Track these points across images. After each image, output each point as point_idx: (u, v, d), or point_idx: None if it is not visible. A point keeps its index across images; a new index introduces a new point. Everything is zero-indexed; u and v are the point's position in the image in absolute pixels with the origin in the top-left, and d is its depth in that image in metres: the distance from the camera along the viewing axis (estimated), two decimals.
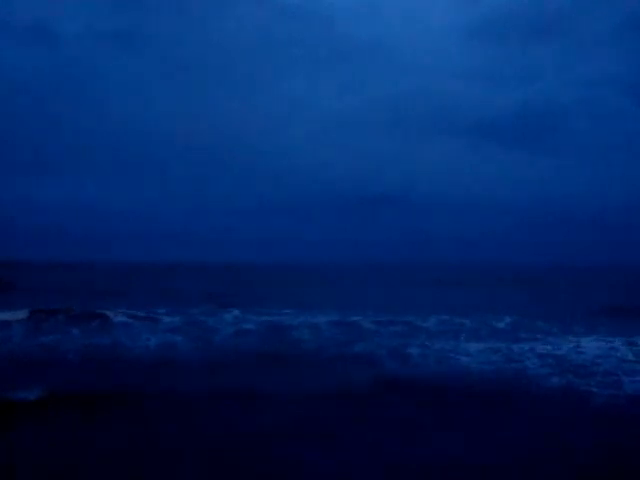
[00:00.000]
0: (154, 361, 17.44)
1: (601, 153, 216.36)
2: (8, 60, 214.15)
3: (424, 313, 27.42)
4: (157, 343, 20.39)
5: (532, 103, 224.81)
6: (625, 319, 27.15)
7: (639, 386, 14.63)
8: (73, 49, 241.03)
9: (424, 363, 17.43)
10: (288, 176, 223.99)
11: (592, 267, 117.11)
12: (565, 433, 10.97)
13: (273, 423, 11.34)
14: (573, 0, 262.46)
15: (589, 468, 9.39)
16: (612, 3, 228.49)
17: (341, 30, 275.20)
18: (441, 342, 21.00)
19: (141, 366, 16.58)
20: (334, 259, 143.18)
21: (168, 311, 28.29)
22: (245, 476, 9.03)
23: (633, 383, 15.04)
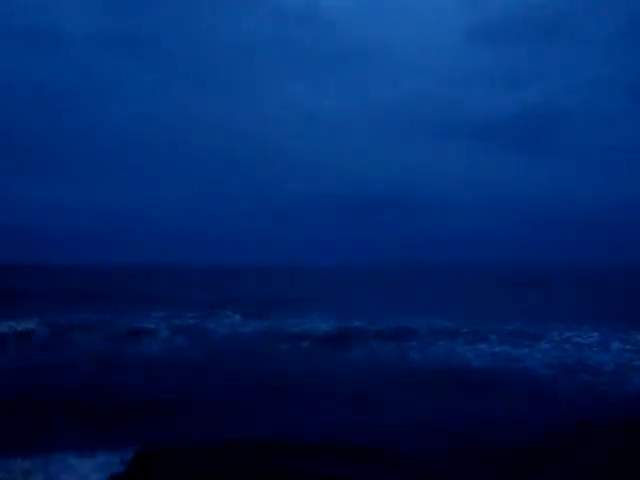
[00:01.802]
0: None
1: (603, 154, 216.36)
2: (9, 61, 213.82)
3: (425, 316, 27.24)
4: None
5: (534, 105, 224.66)
6: (627, 319, 26.96)
7: None
8: (75, 51, 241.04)
9: (424, 366, 17.26)
10: (290, 178, 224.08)
11: (594, 268, 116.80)
12: None
13: None
14: (575, 3, 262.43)
15: None
16: (614, 6, 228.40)
17: (342, 33, 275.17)
18: (444, 346, 20.89)
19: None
20: (337, 261, 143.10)
21: (168, 315, 28.11)
22: None
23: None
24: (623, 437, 10.82)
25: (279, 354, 19.58)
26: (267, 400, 13.39)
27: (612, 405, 13.01)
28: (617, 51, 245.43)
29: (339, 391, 14.23)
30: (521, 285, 61.99)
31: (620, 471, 9.38)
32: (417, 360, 18.48)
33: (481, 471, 9.36)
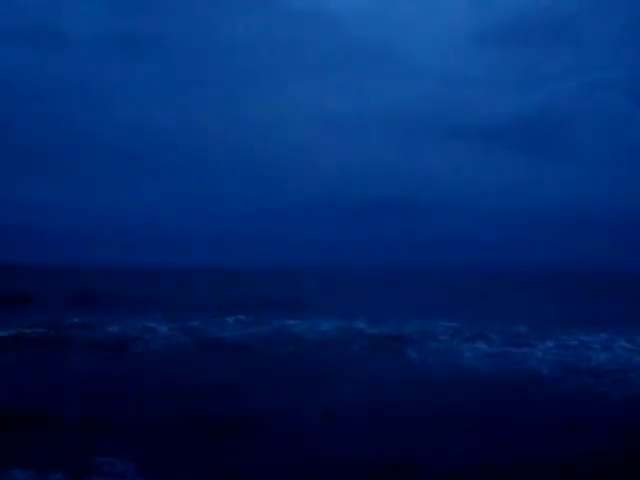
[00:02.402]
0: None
1: (608, 156, 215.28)
2: (9, 61, 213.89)
3: (428, 317, 27.22)
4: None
5: (540, 107, 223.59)
6: (632, 321, 26.92)
7: None
8: (76, 51, 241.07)
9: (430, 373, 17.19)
10: (292, 179, 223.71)
11: (597, 270, 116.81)
12: None
13: None
14: (580, 5, 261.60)
15: None
16: (618, 7, 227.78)
17: (348, 34, 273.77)
18: (446, 347, 20.85)
19: None
20: (339, 262, 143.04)
21: (169, 317, 27.99)
22: None
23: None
24: (624, 439, 10.74)
25: (282, 356, 19.52)
26: (267, 403, 13.29)
27: (614, 406, 12.95)
28: (623, 53, 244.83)
29: (339, 394, 14.10)
30: (524, 287, 62.04)
31: (621, 475, 9.29)
32: (418, 361, 18.46)
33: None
